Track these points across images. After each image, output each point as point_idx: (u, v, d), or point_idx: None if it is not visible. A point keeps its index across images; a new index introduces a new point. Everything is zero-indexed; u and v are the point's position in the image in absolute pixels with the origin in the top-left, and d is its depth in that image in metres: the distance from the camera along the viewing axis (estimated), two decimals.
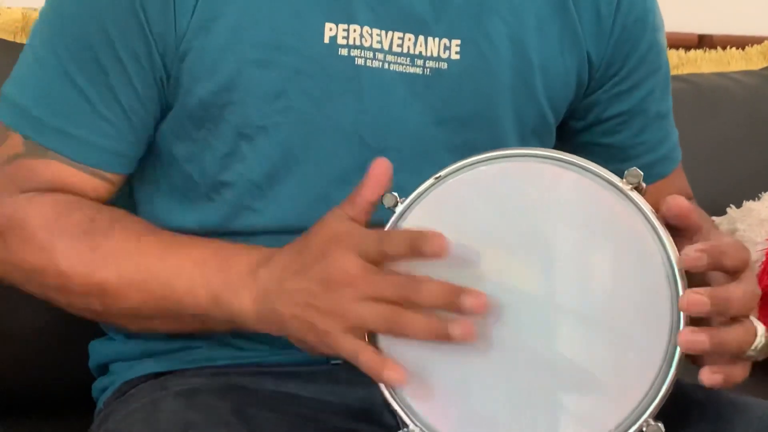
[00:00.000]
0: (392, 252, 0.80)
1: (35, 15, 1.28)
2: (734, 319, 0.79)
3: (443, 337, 0.78)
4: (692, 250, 0.78)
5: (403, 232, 0.80)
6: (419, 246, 0.78)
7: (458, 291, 0.77)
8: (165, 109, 0.96)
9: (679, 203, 0.80)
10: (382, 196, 0.83)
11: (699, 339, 0.77)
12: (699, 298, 0.77)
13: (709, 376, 0.79)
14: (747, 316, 0.80)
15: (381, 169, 0.82)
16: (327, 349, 0.83)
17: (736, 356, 0.80)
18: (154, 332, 0.98)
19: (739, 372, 0.80)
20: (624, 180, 0.80)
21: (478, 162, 0.83)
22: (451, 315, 0.78)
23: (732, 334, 0.78)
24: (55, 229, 0.93)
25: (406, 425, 0.81)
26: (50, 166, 0.94)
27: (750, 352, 0.79)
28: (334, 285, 0.81)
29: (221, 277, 0.89)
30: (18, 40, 1.27)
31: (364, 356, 0.80)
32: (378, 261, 0.80)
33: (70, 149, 0.94)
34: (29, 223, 0.93)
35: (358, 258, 0.80)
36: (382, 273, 0.80)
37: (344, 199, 0.84)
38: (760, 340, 0.80)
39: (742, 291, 0.79)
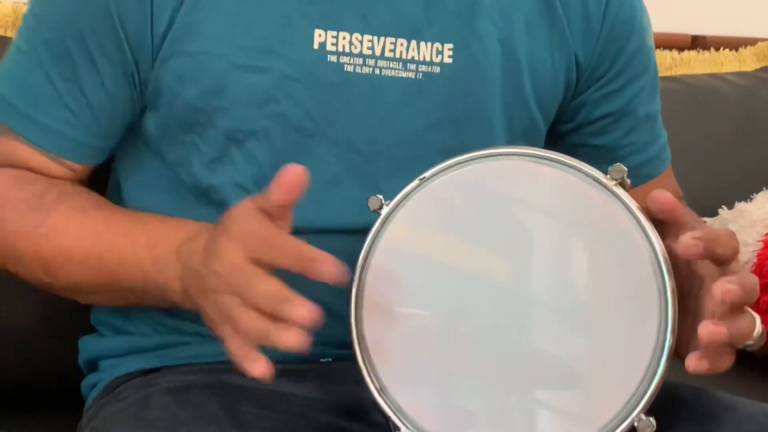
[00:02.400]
0: (278, 262, 0.79)
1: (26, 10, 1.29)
2: (738, 311, 0.79)
3: (266, 343, 0.78)
4: (689, 237, 0.78)
5: (295, 244, 0.79)
6: (308, 269, 0.78)
7: (284, 299, 0.77)
8: (143, 110, 0.97)
9: (664, 196, 0.80)
10: (368, 199, 0.83)
11: (720, 330, 0.77)
12: (731, 287, 0.77)
13: (695, 363, 0.79)
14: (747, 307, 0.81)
15: (290, 176, 0.81)
16: (215, 332, 0.83)
17: (735, 346, 0.80)
18: (105, 305, 1.01)
19: (726, 360, 0.80)
20: (608, 176, 0.81)
21: (462, 162, 0.83)
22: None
23: (744, 323, 0.79)
24: (5, 203, 0.96)
25: (397, 428, 0.82)
26: (16, 148, 0.97)
27: (749, 342, 0.80)
28: (214, 274, 0.82)
29: (149, 254, 0.91)
30: (9, 35, 1.28)
31: (233, 346, 0.80)
32: (262, 262, 0.80)
33: (34, 134, 0.97)
34: None
35: (241, 251, 0.80)
36: (247, 270, 0.79)
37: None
38: (758, 329, 0.80)
39: (755, 279, 0.80)
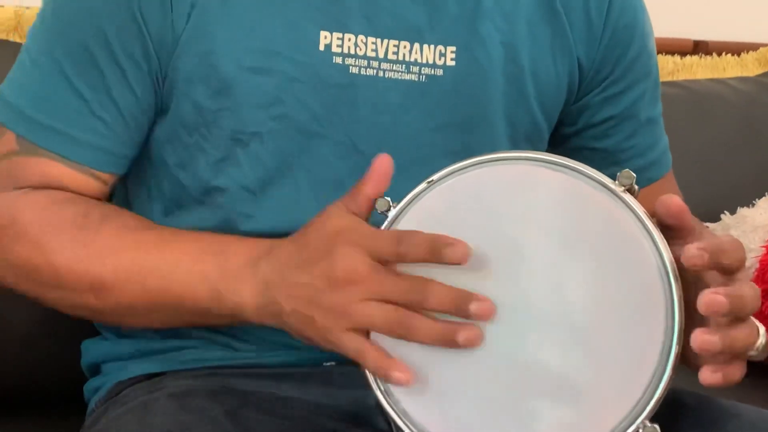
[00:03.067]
0: (411, 255, 0.79)
1: (28, 13, 1.29)
2: (739, 319, 0.79)
3: (450, 344, 0.78)
4: (694, 248, 0.77)
5: (424, 235, 0.79)
6: (440, 250, 0.78)
7: (467, 297, 0.77)
8: (160, 111, 0.97)
9: (674, 201, 0.80)
10: (375, 200, 0.83)
11: (712, 339, 0.77)
12: (717, 298, 0.76)
13: (709, 376, 0.78)
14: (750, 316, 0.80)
15: (384, 165, 0.82)
16: (328, 345, 0.82)
17: (738, 356, 0.79)
18: (150, 327, 0.98)
19: (737, 372, 0.80)
20: (616, 182, 0.80)
21: (470, 166, 0.83)
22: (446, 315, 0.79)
23: (741, 334, 0.78)
24: (47, 224, 0.93)
25: (401, 430, 0.81)
26: (42, 164, 0.95)
27: (752, 352, 0.79)
28: (340, 282, 0.80)
29: (219, 270, 0.89)
30: (11, 39, 1.28)
31: (370, 356, 0.80)
32: (389, 261, 0.80)
33: (62, 147, 0.95)
34: (21, 218, 0.94)
35: (366, 256, 0.80)
36: (390, 273, 0.80)
37: (343, 196, 0.84)
38: (762, 340, 0.79)
39: (753, 290, 0.79)
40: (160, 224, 0.97)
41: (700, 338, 0.77)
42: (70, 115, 0.94)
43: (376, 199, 0.83)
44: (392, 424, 0.82)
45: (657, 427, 0.78)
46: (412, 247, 0.79)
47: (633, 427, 0.78)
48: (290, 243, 0.86)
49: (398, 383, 0.79)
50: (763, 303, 1.45)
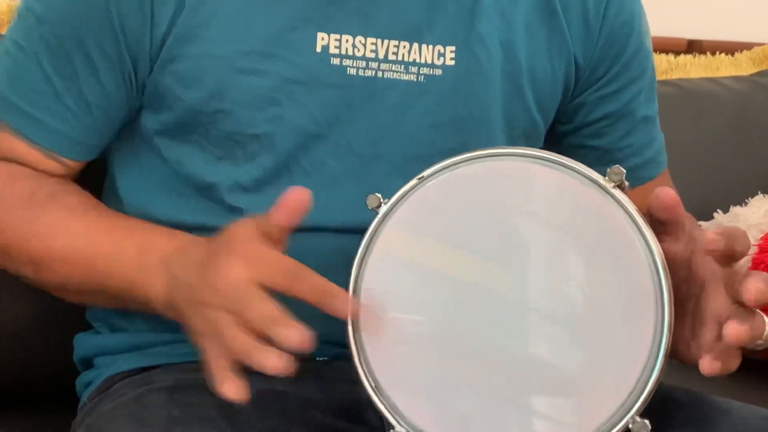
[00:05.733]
0: (298, 295, 0.80)
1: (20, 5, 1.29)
2: (750, 310, 0.80)
3: (249, 362, 0.79)
4: (711, 233, 0.78)
5: (317, 279, 0.80)
6: (326, 303, 0.79)
7: (277, 320, 0.78)
8: (138, 109, 0.97)
9: (669, 194, 0.80)
10: (366, 197, 0.83)
11: (744, 329, 0.77)
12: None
13: (710, 365, 0.79)
14: None
15: (294, 197, 0.81)
16: (198, 344, 0.84)
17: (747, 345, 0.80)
18: (92, 306, 1.04)
19: (735, 361, 0.81)
20: (606, 178, 0.81)
21: (461, 162, 0.83)
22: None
23: (758, 323, 0.79)
24: None
25: (392, 426, 0.81)
26: (9, 140, 0.97)
27: (759, 341, 0.80)
28: (219, 291, 0.81)
29: (136, 263, 0.91)
30: (5, 32, 1.27)
31: (212, 361, 0.81)
32: (275, 290, 0.80)
33: (27, 128, 0.97)
34: None
35: (249, 273, 0.80)
36: (259, 297, 0.79)
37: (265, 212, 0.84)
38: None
39: None
40: (154, 215, 0.97)
41: (733, 330, 0.77)
42: (39, 100, 0.96)
43: (289, 227, 0.83)
44: (383, 420, 0.82)
45: (647, 422, 0.78)
46: (301, 289, 0.79)
47: (623, 422, 0.79)
48: (203, 243, 0.87)
49: (223, 396, 0.80)
50: None
